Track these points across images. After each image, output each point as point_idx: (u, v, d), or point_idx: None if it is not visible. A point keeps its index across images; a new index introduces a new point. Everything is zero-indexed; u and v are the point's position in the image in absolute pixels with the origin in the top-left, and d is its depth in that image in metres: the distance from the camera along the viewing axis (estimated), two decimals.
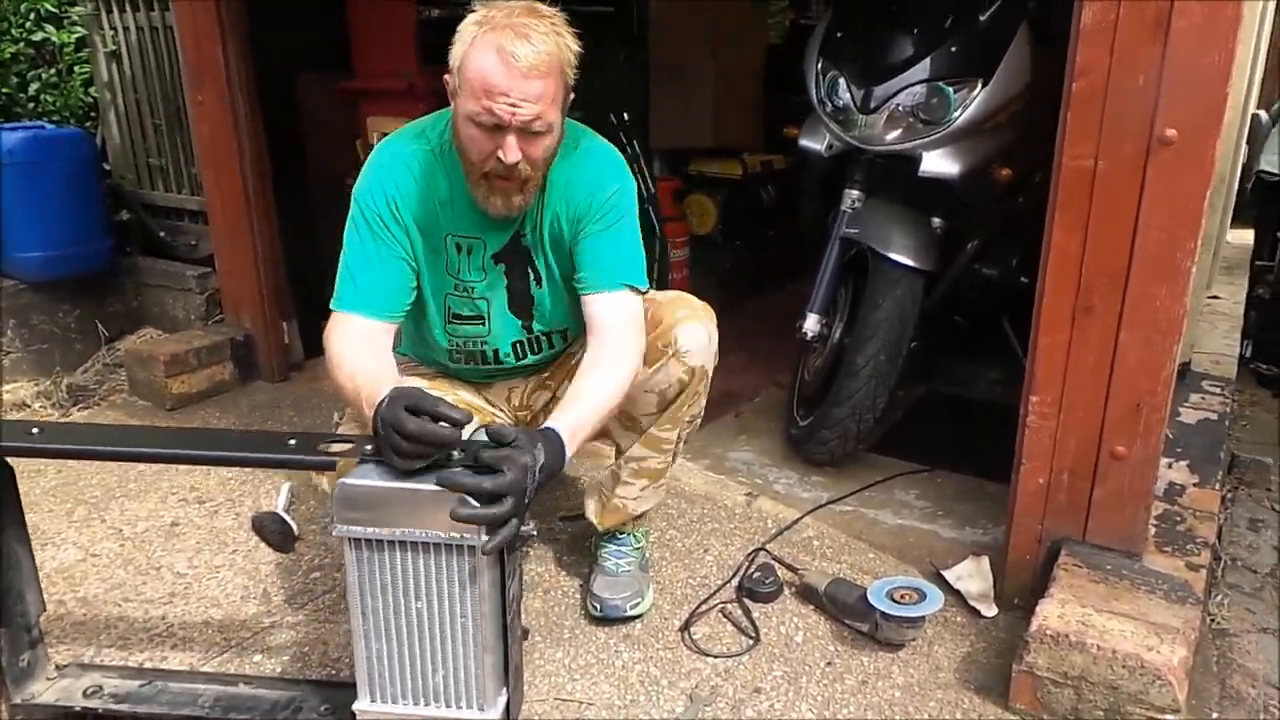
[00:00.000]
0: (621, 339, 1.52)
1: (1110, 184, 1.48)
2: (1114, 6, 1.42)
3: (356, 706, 1.29)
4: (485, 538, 1.17)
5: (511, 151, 1.38)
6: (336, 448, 1.29)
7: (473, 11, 1.40)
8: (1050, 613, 1.49)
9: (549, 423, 1.35)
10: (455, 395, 1.72)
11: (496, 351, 1.68)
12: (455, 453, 1.21)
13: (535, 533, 1.27)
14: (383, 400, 1.21)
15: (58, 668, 1.51)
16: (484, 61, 1.34)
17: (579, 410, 1.41)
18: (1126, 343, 1.53)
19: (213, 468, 2.41)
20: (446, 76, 1.43)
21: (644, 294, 1.58)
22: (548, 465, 1.25)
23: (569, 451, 1.34)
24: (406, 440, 1.16)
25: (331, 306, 1.51)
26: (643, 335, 1.56)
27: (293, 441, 1.30)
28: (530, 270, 1.61)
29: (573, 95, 1.45)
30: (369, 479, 1.20)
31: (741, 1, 3.97)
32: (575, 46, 1.40)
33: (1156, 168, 1.43)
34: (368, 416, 1.28)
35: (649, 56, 3.85)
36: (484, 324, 1.64)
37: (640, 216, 1.62)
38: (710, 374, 1.66)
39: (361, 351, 1.45)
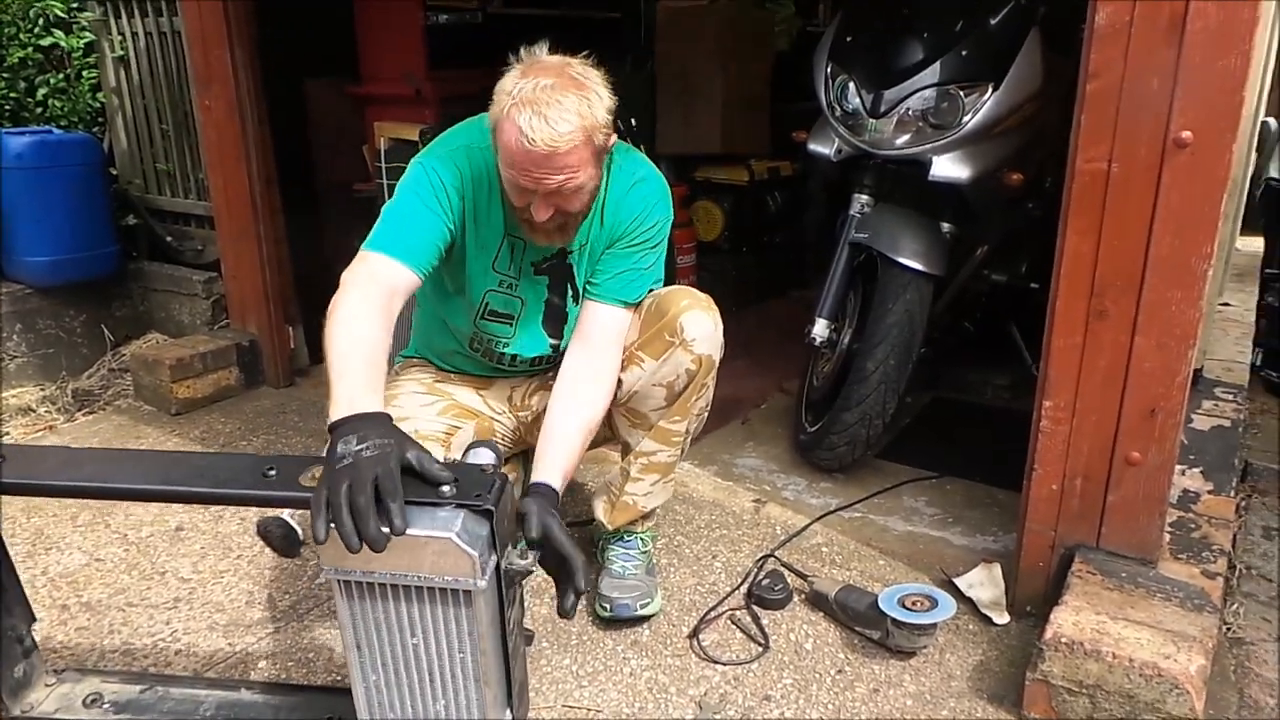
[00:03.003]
0: (607, 353, 1.61)
1: (1124, 187, 1.47)
2: (1128, 8, 1.41)
3: None
4: (482, 582, 1.10)
5: (541, 211, 1.44)
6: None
7: (510, 67, 1.42)
8: (1065, 620, 1.47)
9: (537, 476, 1.46)
10: (453, 400, 1.73)
11: (515, 357, 1.72)
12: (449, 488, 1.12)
13: (534, 569, 1.19)
14: (380, 442, 1.10)
15: (56, 672, 1.49)
16: (508, 138, 1.37)
17: (564, 451, 1.51)
18: (1141, 347, 1.52)
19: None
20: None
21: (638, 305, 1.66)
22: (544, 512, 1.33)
23: (561, 489, 1.46)
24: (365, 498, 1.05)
25: (361, 248, 1.47)
26: (618, 358, 1.63)
27: (272, 471, 1.18)
28: (570, 286, 1.66)
29: (613, 137, 1.47)
30: None
31: (749, 8, 3.98)
32: (606, 103, 1.41)
33: (1172, 171, 1.42)
34: (336, 390, 1.20)
35: (656, 63, 3.86)
36: (511, 326, 1.68)
37: None
38: (717, 364, 1.66)
39: (371, 309, 1.36)
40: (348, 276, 1.41)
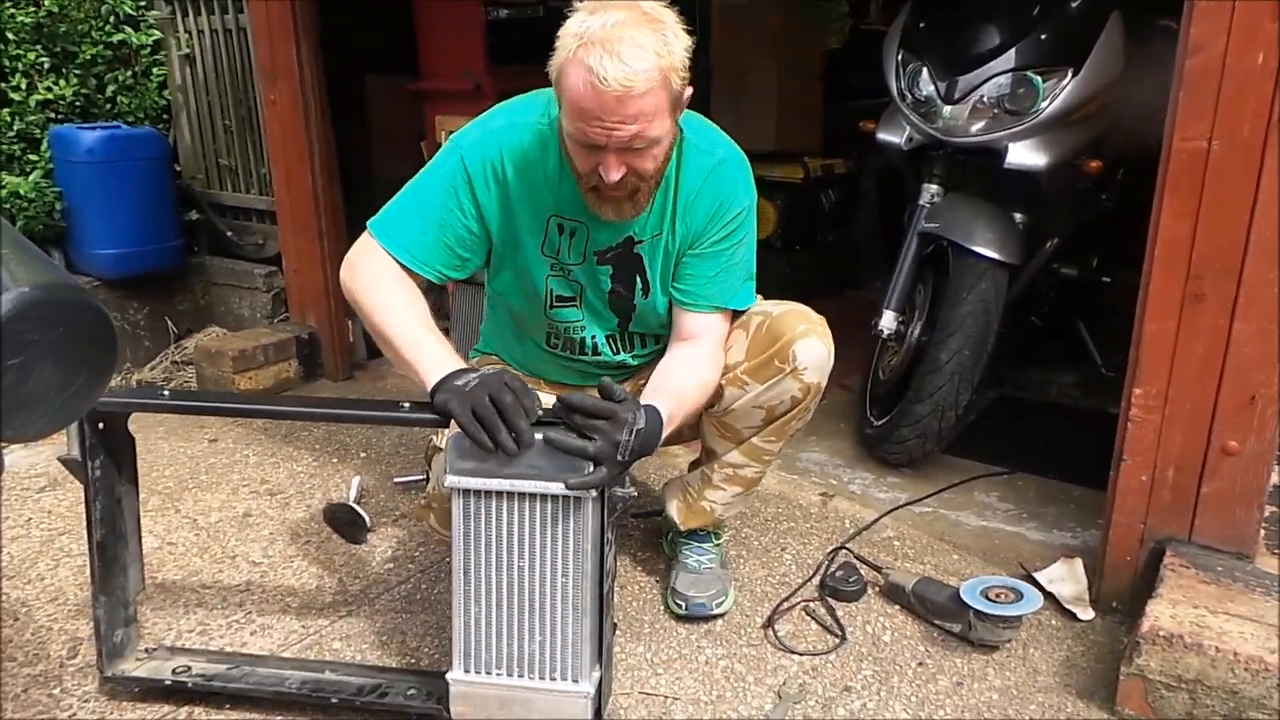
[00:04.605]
0: (709, 354, 1.53)
1: (1225, 166, 1.42)
2: None
3: (451, 675, 1.28)
4: (592, 491, 1.23)
5: (612, 170, 1.31)
6: None
7: (575, 9, 1.28)
8: (1161, 613, 1.42)
9: (647, 400, 1.36)
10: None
11: (595, 341, 1.61)
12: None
13: (635, 494, 1.30)
14: (489, 369, 1.29)
15: (146, 650, 1.51)
16: (575, 82, 1.24)
17: (676, 399, 1.42)
18: (1240, 332, 1.47)
19: (283, 461, 2.42)
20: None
21: (741, 311, 1.58)
22: (646, 432, 1.28)
23: (664, 433, 1.35)
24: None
25: (369, 226, 1.47)
26: (723, 354, 1.55)
27: (407, 404, 1.34)
28: (640, 279, 1.54)
29: (689, 92, 1.33)
30: None
31: (803, 6, 3.95)
32: (683, 46, 1.28)
33: (1277, 148, 1.37)
34: (422, 358, 1.34)
35: (711, 59, 3.84)
36: (578, 307, 1.57)
37: None
38: (823, 390, 1.58)
39: (396, 284, 1.44)
40: (359, 259, 1.46)
